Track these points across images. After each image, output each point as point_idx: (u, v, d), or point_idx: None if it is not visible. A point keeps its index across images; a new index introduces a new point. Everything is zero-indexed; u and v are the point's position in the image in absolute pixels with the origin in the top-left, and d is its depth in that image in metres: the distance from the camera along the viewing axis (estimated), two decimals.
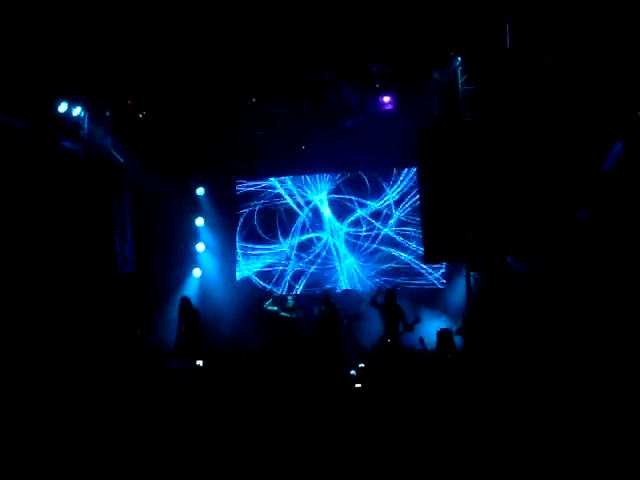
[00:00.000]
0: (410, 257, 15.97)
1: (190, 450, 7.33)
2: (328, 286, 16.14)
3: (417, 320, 13.21)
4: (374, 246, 16.24)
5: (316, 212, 16.72)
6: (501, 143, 12.68)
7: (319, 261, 16.55)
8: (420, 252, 15.27)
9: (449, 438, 7.08)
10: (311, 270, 16.55)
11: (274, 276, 16.73)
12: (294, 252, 16.71)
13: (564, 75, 11.13)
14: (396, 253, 16.07)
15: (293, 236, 16.76)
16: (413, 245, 15.93)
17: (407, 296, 14.96)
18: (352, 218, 16.51)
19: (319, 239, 16.62)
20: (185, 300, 14.63)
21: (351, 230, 16.47)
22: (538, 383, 8.66)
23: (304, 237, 16.73)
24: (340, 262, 16.39)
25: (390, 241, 16.23)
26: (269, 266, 16.84)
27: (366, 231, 16.40)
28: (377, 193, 16.38)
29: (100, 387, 9.56)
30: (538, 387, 8.47)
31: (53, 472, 6.88)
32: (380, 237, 16.27)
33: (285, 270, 16.72)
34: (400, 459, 6.73)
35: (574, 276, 11.07)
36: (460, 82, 13.37)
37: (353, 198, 16.46)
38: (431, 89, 13.72)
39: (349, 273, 16.34)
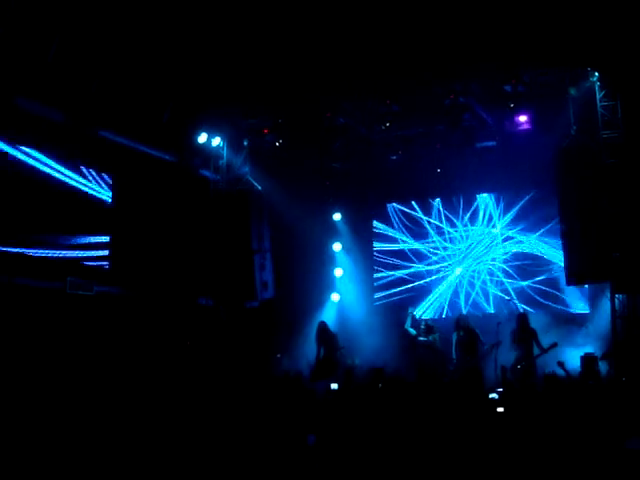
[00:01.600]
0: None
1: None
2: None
3: (554, 345, 12.79)
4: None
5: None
6: None
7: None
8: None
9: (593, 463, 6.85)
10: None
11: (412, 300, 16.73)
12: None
13: None
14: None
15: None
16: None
17: (549, 320, 14.59)
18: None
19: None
20: (322, 324, 14.76)
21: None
22: None
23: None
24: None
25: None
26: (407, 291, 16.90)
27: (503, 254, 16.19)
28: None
29: (241, 409, 9.74)
30: None
31: None
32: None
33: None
34: None
35: None
36: (598, 98, 13.04)
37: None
38: (567, 106, 13.40)
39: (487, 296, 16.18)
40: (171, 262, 14.12)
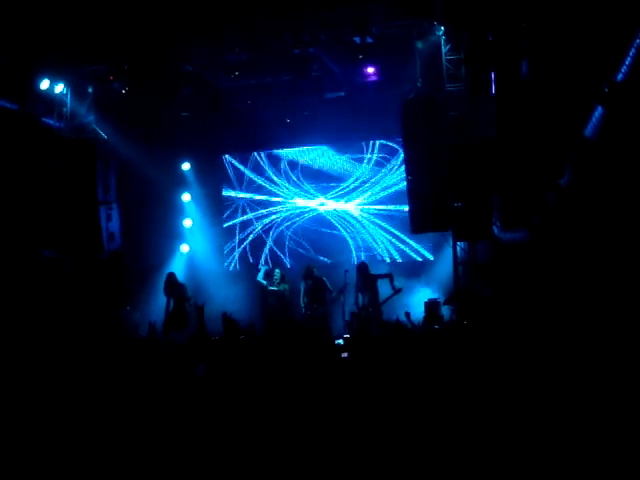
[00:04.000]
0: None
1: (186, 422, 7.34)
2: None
3: (399, 290, 13.21)
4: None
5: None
6: (485, 111, 12.70)
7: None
8: None
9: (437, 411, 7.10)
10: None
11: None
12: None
13: (545, 39, 11.09)
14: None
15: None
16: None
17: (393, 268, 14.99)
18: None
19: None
20: (170, 276, 14.60)
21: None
22: (526, 351, 8.65)
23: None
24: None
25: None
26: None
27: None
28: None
29: (92, 363, 9.51)
30: (526, 355, 8.47)
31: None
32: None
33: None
34: (387, 435, 6.74)
35: (558, 244, 11.08)
36: (444, 52, 13.35)
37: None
38: (414, 59, 13.65)
39: None
40: (10, 214, 13.52)
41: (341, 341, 10.65)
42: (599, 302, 9.75)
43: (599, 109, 9.70)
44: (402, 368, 8.09)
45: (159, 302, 14.72)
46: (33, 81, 14.07)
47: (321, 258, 16.14)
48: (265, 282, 14.85)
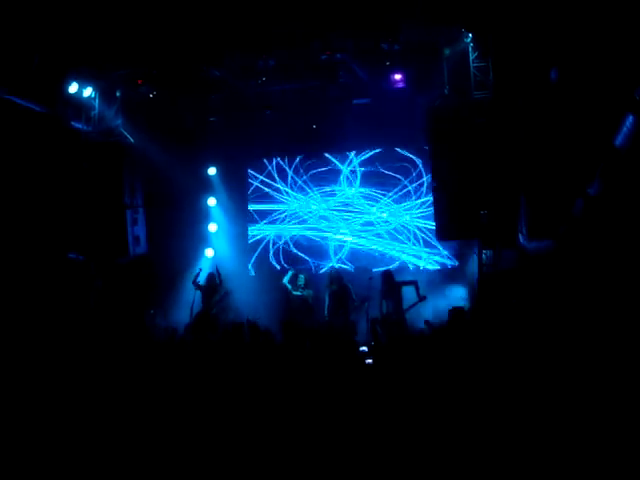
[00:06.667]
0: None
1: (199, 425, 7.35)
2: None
3: (423, 298, 13.16)
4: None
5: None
6: (513, 119, 12.64)
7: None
8: None
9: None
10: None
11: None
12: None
13: (575, 46, 11.03)
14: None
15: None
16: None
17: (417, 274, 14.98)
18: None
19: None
20: (212, 276, 14.79)
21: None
22: (550, 360, 8.59)
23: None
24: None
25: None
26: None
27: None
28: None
29: (112, 367, 9.55)
30: (550, 364, 8.40)
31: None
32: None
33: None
34: (411, 438, 6.71)
35: (584, 253, 10.99)
36: (471, 59, 13.32)
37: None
38: (442, 66, 13.64)
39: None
40: (37, 216, 13.61)
41: (365, 348, 10.61)
42: (626, 316, 9.65)
43: (630, 118, 9.61)
44: (423, 374, 8.08)
45: (183, 306, 14.78)
46: (62, 85, 14.17)
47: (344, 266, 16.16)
48: (290, 286, 14.84)
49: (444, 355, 8.64)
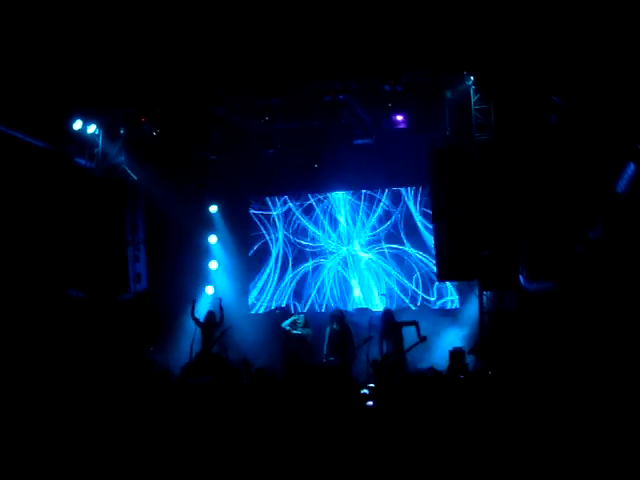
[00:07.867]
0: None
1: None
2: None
3: (423, 339, 13.08)
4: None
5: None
6: (514, 162, 12.73)
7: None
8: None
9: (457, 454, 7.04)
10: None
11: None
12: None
13: (576, 94, 11.14)
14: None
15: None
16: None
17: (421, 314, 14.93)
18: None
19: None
20: (212, 314, 14.74)
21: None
22: (553, 402, 8.58)
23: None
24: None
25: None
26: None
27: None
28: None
29: (110, 403, 9.53)
30: (553, 406, 8.39)
31: None
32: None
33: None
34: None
35: (586, 296, 11.02)
36: (473, 101, 13.45)
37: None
38: (443, 108, 13.76)
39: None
40: (39, 251, 13.65)
41: (366, 390, 10.56)
42: (626, 359, 9.65)
43: (631, 166, 9.69)
44: (427, 418, 8.05)
45: (183, 344, 14.73)
46: (66, 121, 14.30)
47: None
48: (289, 327, 14.78)
49: (447, 403, 8.63)
